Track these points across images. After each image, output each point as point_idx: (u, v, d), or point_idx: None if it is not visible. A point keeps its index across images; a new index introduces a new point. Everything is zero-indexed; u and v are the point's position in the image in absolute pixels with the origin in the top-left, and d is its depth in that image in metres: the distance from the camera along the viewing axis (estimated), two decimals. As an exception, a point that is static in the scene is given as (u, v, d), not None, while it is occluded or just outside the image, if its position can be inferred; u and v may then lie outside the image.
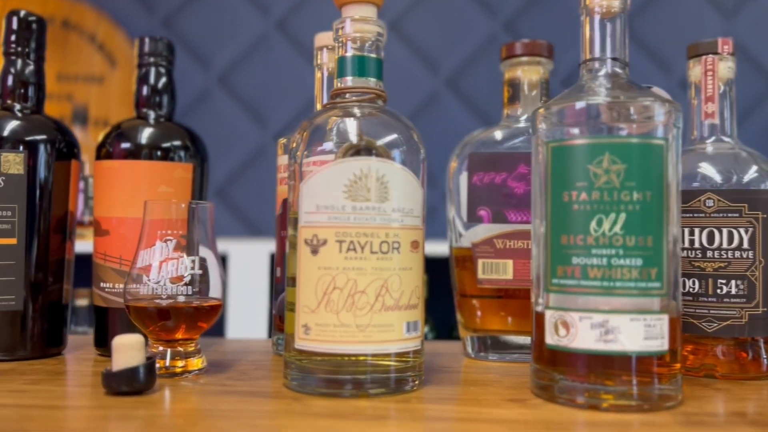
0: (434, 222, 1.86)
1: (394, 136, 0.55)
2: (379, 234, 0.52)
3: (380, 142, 0.54)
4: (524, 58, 0.71)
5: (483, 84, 1.88)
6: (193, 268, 0.59)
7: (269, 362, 0.66)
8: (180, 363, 0.59)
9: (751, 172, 0.62)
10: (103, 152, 0.69)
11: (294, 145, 0.57)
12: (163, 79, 0.71)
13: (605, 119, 0.51)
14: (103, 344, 0.68)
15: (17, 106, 0.68)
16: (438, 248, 1.50)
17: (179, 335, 0.59)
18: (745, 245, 0.60)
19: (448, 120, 1.88)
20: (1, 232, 0.64)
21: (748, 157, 0.63)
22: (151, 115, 0.71)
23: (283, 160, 0.72)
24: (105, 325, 0.68)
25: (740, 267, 0.60)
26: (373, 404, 0.50)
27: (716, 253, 0.61)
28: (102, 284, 0.67)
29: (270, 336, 0.75)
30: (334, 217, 0.52)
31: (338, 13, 0.59)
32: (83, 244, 1.00)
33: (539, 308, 0.53)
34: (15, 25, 0.68)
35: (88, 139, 1.85)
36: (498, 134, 0.71)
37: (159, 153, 0.68)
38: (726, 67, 0.65)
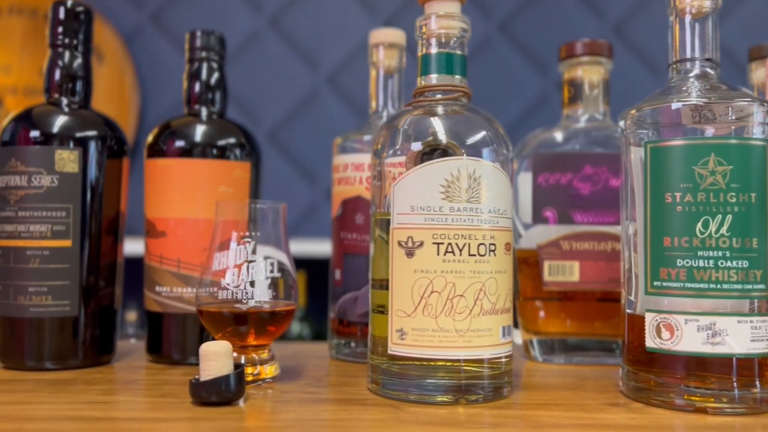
0: (315, 221, 1.85)
1: (483, 134, 0.53)
2: (476, 235, 0.51)
3: (470, 141, 0.53)
4: (585, 58, 0.70)
5: (362, 81, 1.87)
6: (272, 271, 0.56)
7: (335, 367, 0.64)
8: (254, 370, 0.56)
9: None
10: (155, 150, 0.66)
11: (378, 146, 0.55)
12: (216, 75, 0.68)
13: (705, 120, 0.51)
14: (156, 350, 0.65)
15: (64, 101, 0.65)
16: (319, 248, 1.47)
17: (254, 341, 0.56)
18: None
19: (327, 117, 1.87)
20: (56, 233, 0.60)
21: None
22: (204, 111, 0.68)
23: (337, 160, 0.70)
24: (159, 330, 0.65)
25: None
26: (478, 411, 0.48)
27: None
28: (157, 288, 0.64)
29: (327, 339, 0.73)
30: (431, 219, 0.51)
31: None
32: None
33: (633, 310, 0.53)
34: (62, 16, 0.65)
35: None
36: (558, 135, 0.70)
37: (215, 151, 0.65)
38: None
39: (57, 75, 0.65)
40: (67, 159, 0.61)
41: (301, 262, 1.30)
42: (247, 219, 0.57)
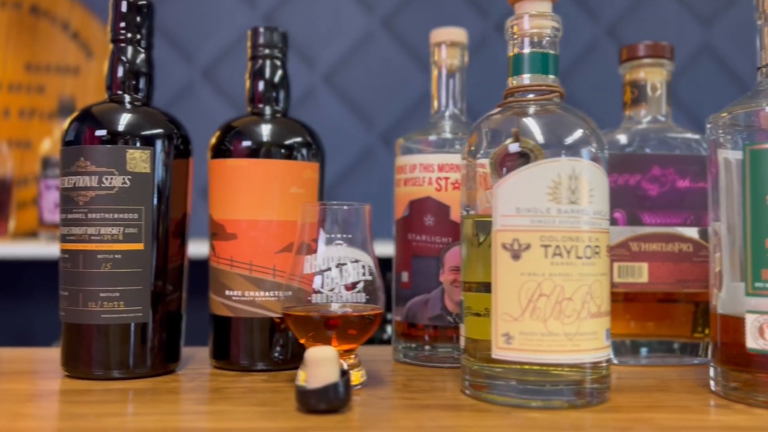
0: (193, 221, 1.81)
1: (582, 133, 0.53)
2: (583, 238, 0.51)
3: (569, 141, 0.52)
4: (647, 60, 0.71)
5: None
6: (364, 274, 0.55)
7: (407, 371, 0.63)
8: (343, 376, 0.55)
9: None
10: (222, 151, 0.64)
11: (472, 147, 0.54)
12: (280, 72, 0.67)
13: (805, 123, 0.51)
14: (223, 356, 0.63)
15: (127, 98, 0.62)
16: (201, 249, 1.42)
17: (346, 346, 0.55)
18: None
19: (203, 110, 1.86)
20: (128, 236, 0.58)
21: None
22: (267, 111, 0.66)
23: (402, 160, 0.69)
24: (227, 335, 0.63)
25: None
26: (594, 415, 0.48)
27: None
28: (227, 292, 0.62)
29: (390, 342, 0.72)
30: (538, 220, 0.50)
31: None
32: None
33: (729, 311, 0.53)
34: (124, 10, 0.62)
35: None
36: (622, 137, 0.70)
37: (283, 151, 0.63)
38: None
39: (120, 71, 0.62)
40: (138, 158, 0.59)
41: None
42: (333, 221, 0.56)
